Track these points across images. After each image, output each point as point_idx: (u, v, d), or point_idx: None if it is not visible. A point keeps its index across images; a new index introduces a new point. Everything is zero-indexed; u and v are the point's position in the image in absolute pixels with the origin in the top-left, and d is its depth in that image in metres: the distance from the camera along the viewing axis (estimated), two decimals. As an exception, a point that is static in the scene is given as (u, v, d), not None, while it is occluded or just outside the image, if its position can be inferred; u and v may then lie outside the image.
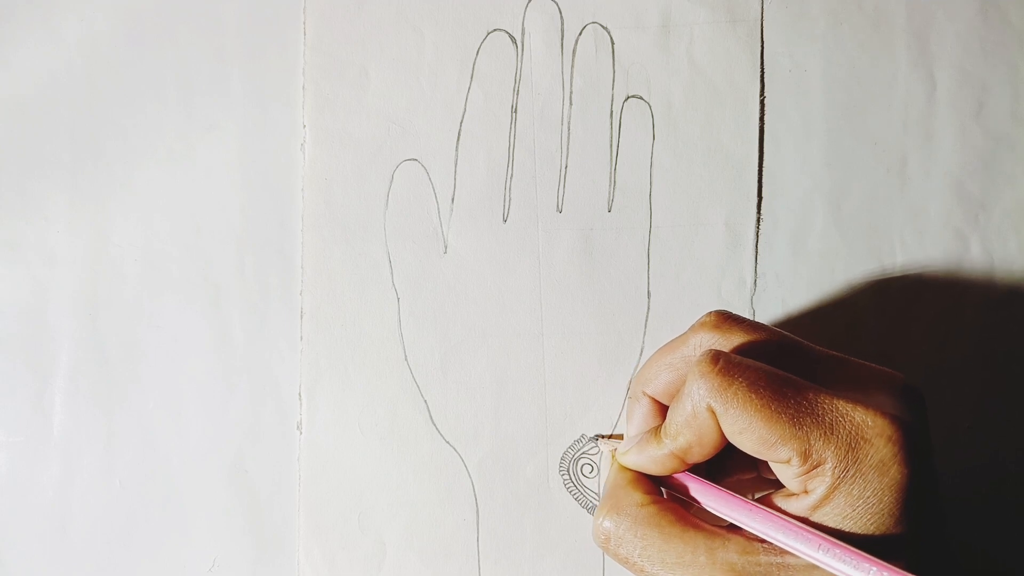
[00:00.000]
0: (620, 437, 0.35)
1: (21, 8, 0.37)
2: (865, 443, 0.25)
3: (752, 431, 0.26)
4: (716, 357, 0.26)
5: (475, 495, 0.37)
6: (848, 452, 0.25)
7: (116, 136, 0.37)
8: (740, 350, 0.28)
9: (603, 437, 0.35)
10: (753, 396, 0.25)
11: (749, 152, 0.37)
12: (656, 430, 0.29)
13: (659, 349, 0.31)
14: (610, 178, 0.37)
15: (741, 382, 0.26)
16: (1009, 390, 0.37)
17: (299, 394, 0.37)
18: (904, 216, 0.37)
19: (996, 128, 0.37)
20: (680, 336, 0.30)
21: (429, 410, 0.37)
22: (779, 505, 0.27)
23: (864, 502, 0.25)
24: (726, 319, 0.29)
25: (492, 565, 0.37)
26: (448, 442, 0.37)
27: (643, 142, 0.37)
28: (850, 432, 0.25)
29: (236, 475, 0.37)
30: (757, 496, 0.28)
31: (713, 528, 0.27)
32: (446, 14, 0.37)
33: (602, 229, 0.37)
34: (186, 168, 0.37)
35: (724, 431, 0.27)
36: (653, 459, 0.29)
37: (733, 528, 0.27)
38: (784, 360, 0.27)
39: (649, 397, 0.31)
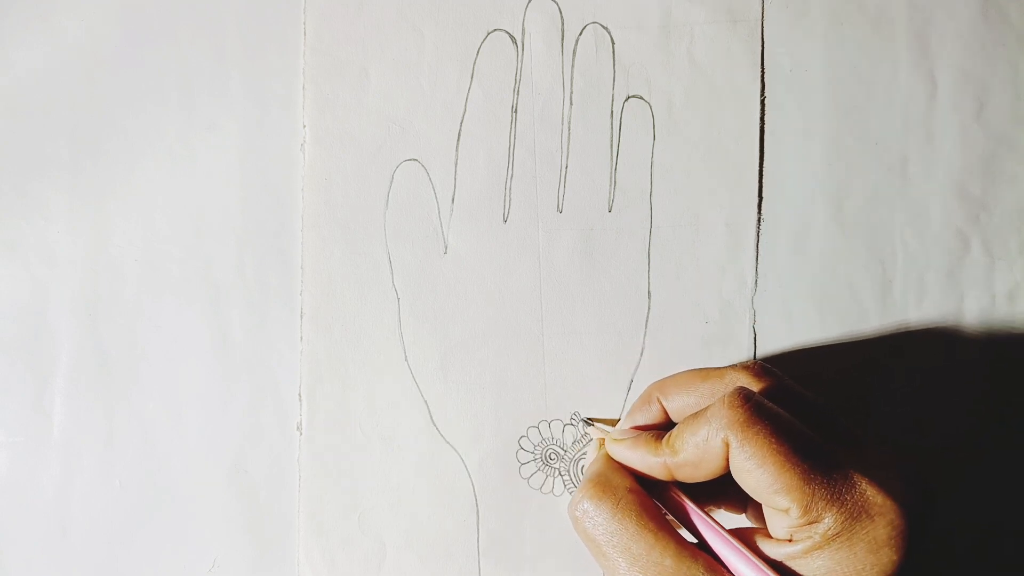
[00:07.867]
0: (609, 422, 0.35)
1: (21, 8, 0.37)
2: (867, 518, 0.25)
3: (761, 473, 0.26)
4: (748, 395, 0.27)
5: (475, 495, 0.37)
6: (848, 520, 0.25)
7: (116, 136, 0.37)
8: (771, 399, 0.28)
9: (592, 421, 0.35)
10: (772, 441, 0.26)
11: (749, 152, 0.37)
12: (657, 435, 0.29)
13: (692, 370, 0.31)
14: (610, 178, 0.37)
15: (765, 424, 0.26)
16: (1010, 391, 0.37)
17: (299, 394, 0.37)
18: (905, 216, 0.37)
19: (997, 128, 0.37)
20: (716, 368, 0.30)
21: (429, 410, 0.37)
22: (760, 546, 0.27)
23: (844, 571, 0.25)
24: (766, 371, 0.29)
25: (492, 565, 0.37)
26: (448, 442, 0.37)
27: (643, 142, 0.37)
28: (856, 502, 0.25)
29: (236, 476, 0.37)
30: (731, 528, 0.29)
31: (685, 540, 0.27)
32: (446, 14, 0.37)
33: (602, 229, 0.37)
34: (186, 168, 0.37)
35: (731, 465, 0.27)
36: (643, 459, 0.29)
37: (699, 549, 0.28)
38: (808, 426, 0.28)
39: (661, 406, 0.31)
